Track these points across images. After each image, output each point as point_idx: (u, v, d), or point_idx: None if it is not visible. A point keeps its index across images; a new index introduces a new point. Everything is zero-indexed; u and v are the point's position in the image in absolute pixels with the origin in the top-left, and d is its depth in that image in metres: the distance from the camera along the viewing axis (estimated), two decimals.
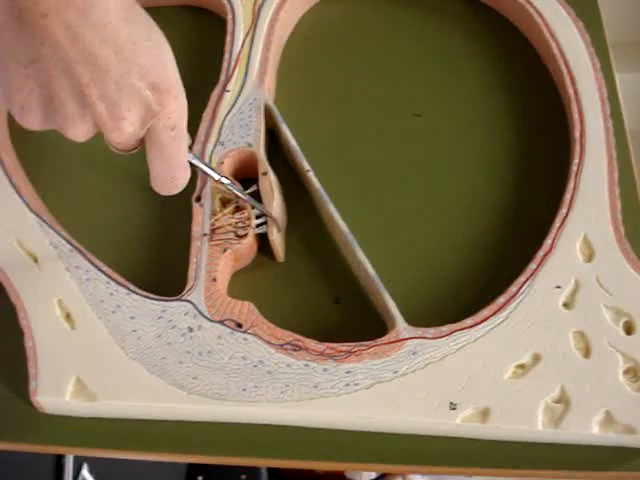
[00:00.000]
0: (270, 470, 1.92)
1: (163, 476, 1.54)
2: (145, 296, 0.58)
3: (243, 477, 1.80)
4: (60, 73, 0.42)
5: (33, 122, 0.45)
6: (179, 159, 0.50)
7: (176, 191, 0.53)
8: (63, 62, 0.42)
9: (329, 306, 0.60)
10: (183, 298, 0.58)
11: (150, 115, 0.46)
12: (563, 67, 0.68)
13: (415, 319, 0.57)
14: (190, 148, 0.52)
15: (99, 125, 0.46)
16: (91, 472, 1.11)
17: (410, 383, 0.54)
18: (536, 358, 0.55)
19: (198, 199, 0.62)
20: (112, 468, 1.17)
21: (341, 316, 0.60)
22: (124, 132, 0.46)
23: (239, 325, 0.56)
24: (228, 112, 0.66)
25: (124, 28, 0.43)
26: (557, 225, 0.60)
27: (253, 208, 0.60)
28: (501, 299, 0.57)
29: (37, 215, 0.62)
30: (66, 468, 1.04)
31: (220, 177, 0.58)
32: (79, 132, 0.46)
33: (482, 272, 0.61)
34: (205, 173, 0.57)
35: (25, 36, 0.41)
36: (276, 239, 0.60)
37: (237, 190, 0.59)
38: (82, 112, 0.45)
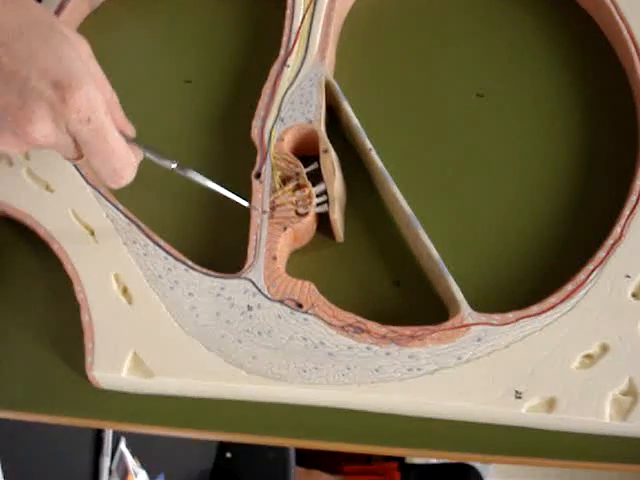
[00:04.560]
0: (298, 450, 1.93)
1: (195, 451, 1.55)
2: (204, 273, 0.57)
3: (271, 455, 1.80)
4: None
5: None
6: (111, 151, 0.50)
7: (124, 182, 0.53)
8: None
9: (388, 288, 0.59)
10: (242, 276, 0.57)
11: (58, 113, 0.47)
12: (633, 51, 0.66)
13: (478, 304, 0.55)
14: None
15: (16, 135, 0.47)
16: (128, 446, 1.11)
17: (474, 370, 0.53)
18: (604, 348, 0.53)
19: (258, 175, 0.61)
20: (148, 443, 1.18)
21: (400, 299, 0.59)
22: (35, 137, 0.47)
23: (299, 305, 0.55)
24: (288, 88, 0.65)
25: (19, 41, 0.46)
26: (627, 213, 0.58)
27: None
28: (569, 287, 0.55)
29: (94, 187, 0.61)
30: (105, 441, 1.05)
31: (172, 164, 0.56)
32: (5, 147, 0.48)
33: (548, 258, 0.59)
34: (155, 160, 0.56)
35: None
36: (337, 218, 0.59)
37: (204, 180, 0.58)
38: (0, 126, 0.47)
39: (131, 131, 0.55)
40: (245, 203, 0.58)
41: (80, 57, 0.49)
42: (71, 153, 0.51)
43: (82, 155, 0.51)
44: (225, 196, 0.58)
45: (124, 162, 0.52)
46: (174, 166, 0.56)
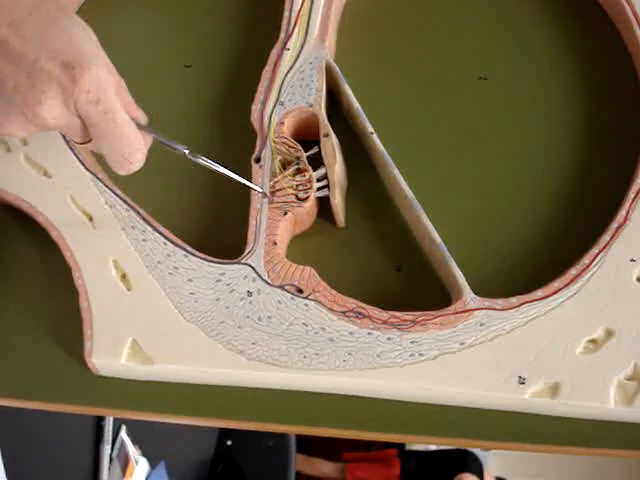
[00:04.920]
0: (298, 437, 1.93)
1: (196, 439, 1.55)
2: (203, 258, 0.57)
3: (271, 443, 1.81)
4: None
5: None
6: (120, 135, 0.50)
7: (133, 168, 0.52)
8: None
9: (390, 273, 0.59)
10: (242, 261, 0.56)
11: (68, 94, 0.46)
12: (638, 32, 0.65)
13: (481, 289, 0.55)
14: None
15: (25, 116, 0.47)
16: (128, 434, 1.11)
17: (477, 355, 0.52)
18: (609, 333, 0.53)
19: (257, 160, 0.60)
20: (148, 431, 1.18)
21: (402, 284, 0.58)
22: (45, 118, 0.46)
23: (300, 290, 0.55)
24: (288, 71, 0.64)
25: (28, 21, 0.46)
26: (631, 196, 0.57)
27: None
28: (573, 271, 0.54)
29: (92, 173, 0.61)
30: (106, 429, 1.04)
31: (184, 150, 0.55)
32: (12, 129, 0.48)
33: (552, 242, 0.58)
34: (168, 146, 0.55)
35: None
36: (338, 203, 0.58)
37: (215, 165, 0.57)
38: (7, 109, 0.47)
39: (142, 117, 0.54)
40: (258, 189, 0.58)
41: (90, 39, 0.49)
42: (79, 136, 0.50)
43: (90, 138, 0.50)
44: (229, 181, 0.57)
45: (134, 147, 0.51)
46: (187, 152, 0.55)
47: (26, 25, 0.46)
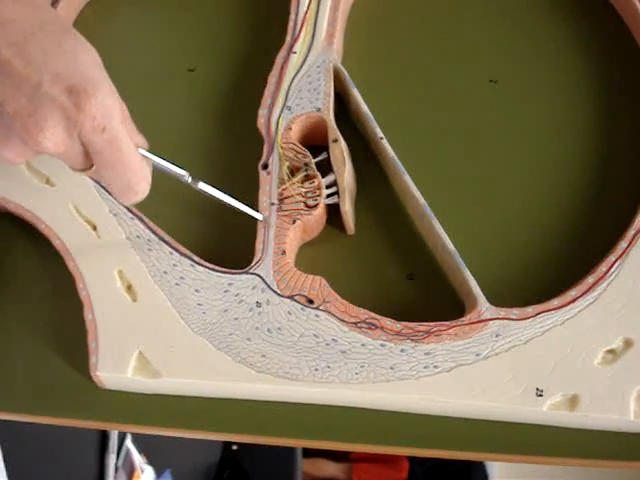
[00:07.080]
0: None
1: (201, 445, 1.54)
2: (211, 268, 0.55)
3: (277, 447, 1.80)
4: None
5: None
6: (126, 163, 0.47)
7: (138, 199, 0.50)
8: None
9: (401, 282, 0.57)
10: (251, 271, 0.55)
11: (72, 120, 0.44)
12: None
13: (496, 298, 0.53)
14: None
15: (24, 142, 0.45)
16: (134, 442, 1.10)
17: (493, 367, 0.51)
18: (628, 343, 0.51)
19: (265, 167, 0.59)
20: (154, 439, 1.17)
21: (414, 293, 0.57)
22: (46, 146, 0.44)
23: (310, 301, 0.54)
24: (295, 75, 0.62)
25: (31, 42, 0.44)
26: None
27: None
28: (590, 279, 0.53)
29: (96, 181, 0.59)
30: (111, 438, 1.03)
31: (185, 175, 0.54)
32: (10, 156, 0.46)
33: (568, 249, 0.57)
34: (170, 172, 0.53)
35: None
36: (348, 210, 0.57)
37: (216, 192, 0.56)
38: (5, 133, 0.45)
39: (143, 143, 0.52)
40: (259, 216, 0.56)
41: (94, 62, 0.46)
42: (80, 163, 0.48)
43: (91, 165, 0.48)
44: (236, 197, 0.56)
45: (139, 176, 0.48)
46: (189, 180, 0.53)
47: (29, 45, 0.44)
